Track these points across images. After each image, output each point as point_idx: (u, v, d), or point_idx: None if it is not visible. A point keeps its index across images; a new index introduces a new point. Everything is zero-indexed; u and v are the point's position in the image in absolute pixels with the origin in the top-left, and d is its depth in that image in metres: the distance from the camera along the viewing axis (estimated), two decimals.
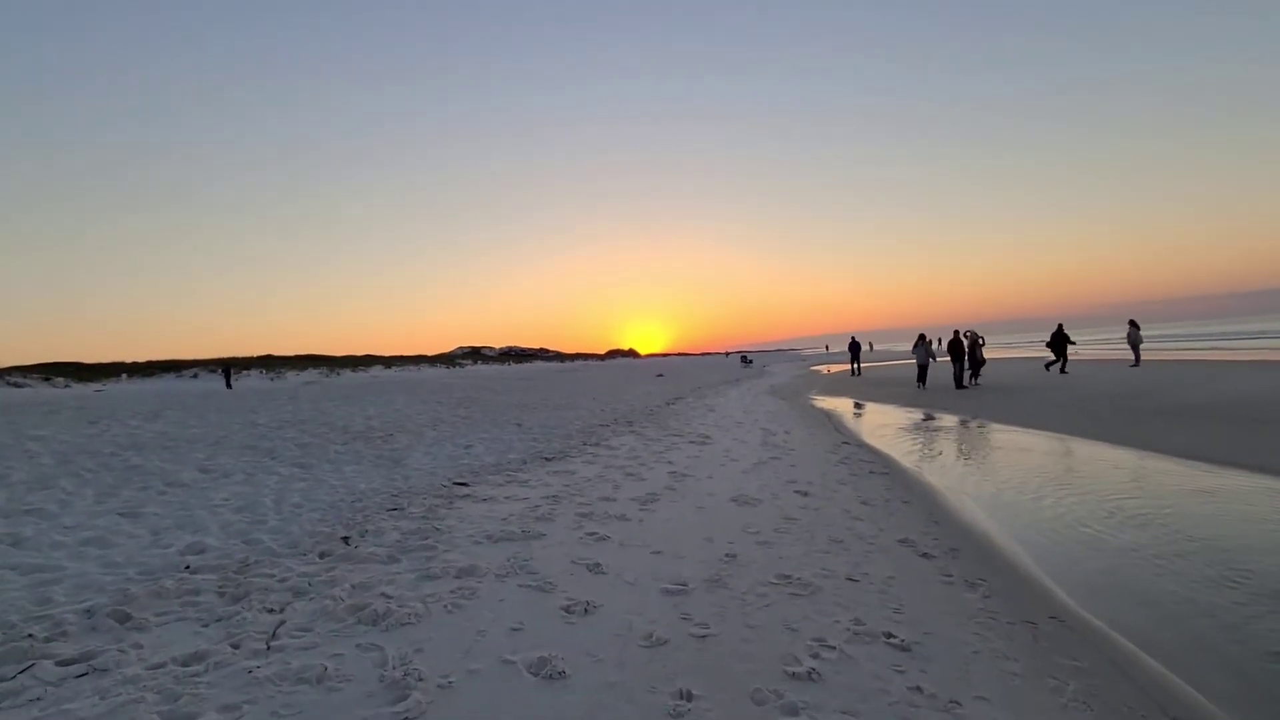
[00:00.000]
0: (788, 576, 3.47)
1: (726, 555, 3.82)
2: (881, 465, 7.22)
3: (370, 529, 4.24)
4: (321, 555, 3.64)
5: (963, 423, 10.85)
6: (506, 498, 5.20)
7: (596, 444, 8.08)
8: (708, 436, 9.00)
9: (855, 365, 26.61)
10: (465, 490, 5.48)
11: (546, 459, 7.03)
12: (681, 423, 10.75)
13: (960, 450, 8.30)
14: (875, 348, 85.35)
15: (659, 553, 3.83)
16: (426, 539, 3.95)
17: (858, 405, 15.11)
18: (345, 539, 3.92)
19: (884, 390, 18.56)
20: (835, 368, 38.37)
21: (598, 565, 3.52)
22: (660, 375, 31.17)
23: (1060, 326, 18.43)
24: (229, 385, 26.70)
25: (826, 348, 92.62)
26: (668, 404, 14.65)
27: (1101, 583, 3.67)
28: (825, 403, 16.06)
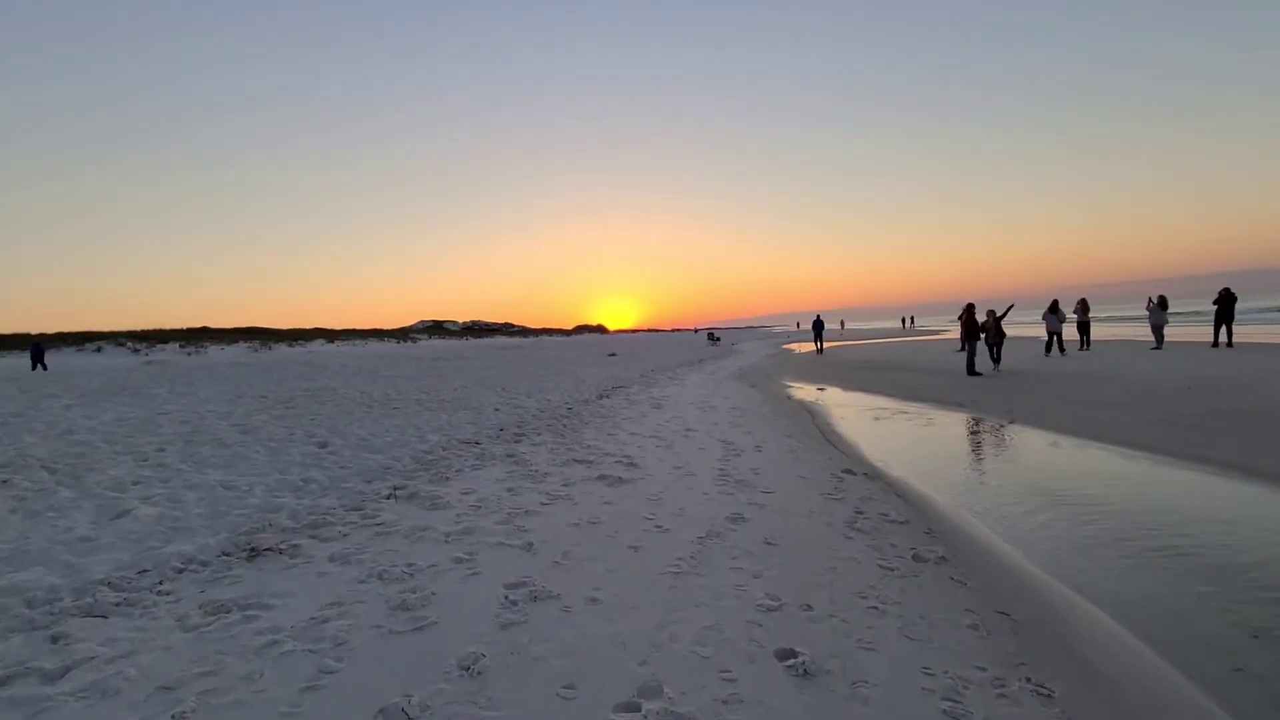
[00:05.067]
0: None
1: None
2: (924, 530, 4.02)
3: None
4: None
5: (999, 427, 7.79)
6: None
7: (413, 495, 4.45)
8: (632, 462, 5.64)
9: (818, 344, 27.21)
10: None
11: (250, 553, 3.26)
12: (603, 432, 7.33)
13: (1031, 485, 5.13)
14: (846, 325, 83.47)
15: None
16: None
17: (844, 394, 11.97)
18: None
19: (869, 375, 15.54)
20: (807, 346, 35.59)
21: None
22: (612, 355, 27.67)
23: (1227, 290, 16.05)
24: (37, 366, 22.11)
25: (798, 325, 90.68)
26: (600, 396, 11.07)
27: None
28: (803, 391, 12.90)
